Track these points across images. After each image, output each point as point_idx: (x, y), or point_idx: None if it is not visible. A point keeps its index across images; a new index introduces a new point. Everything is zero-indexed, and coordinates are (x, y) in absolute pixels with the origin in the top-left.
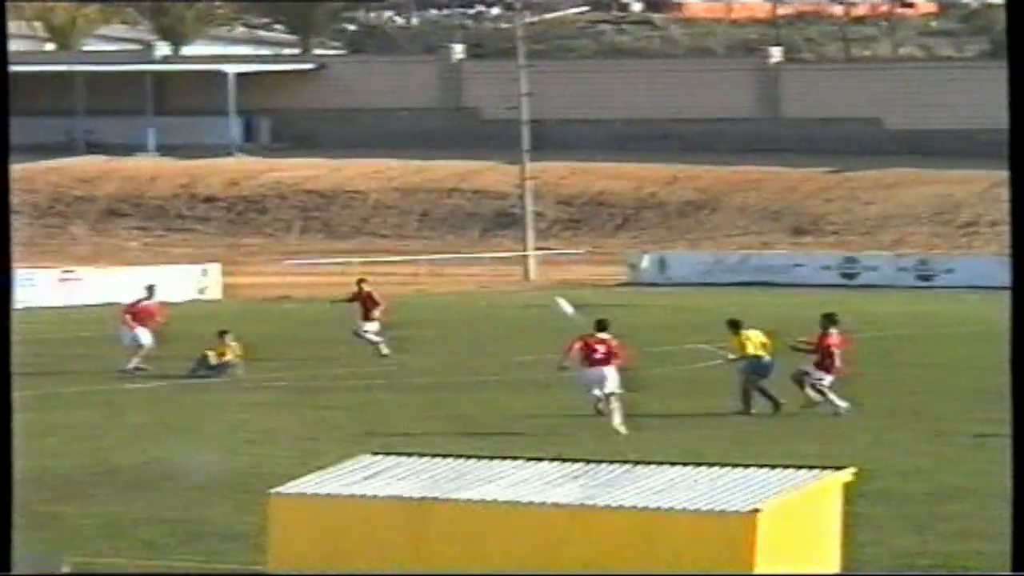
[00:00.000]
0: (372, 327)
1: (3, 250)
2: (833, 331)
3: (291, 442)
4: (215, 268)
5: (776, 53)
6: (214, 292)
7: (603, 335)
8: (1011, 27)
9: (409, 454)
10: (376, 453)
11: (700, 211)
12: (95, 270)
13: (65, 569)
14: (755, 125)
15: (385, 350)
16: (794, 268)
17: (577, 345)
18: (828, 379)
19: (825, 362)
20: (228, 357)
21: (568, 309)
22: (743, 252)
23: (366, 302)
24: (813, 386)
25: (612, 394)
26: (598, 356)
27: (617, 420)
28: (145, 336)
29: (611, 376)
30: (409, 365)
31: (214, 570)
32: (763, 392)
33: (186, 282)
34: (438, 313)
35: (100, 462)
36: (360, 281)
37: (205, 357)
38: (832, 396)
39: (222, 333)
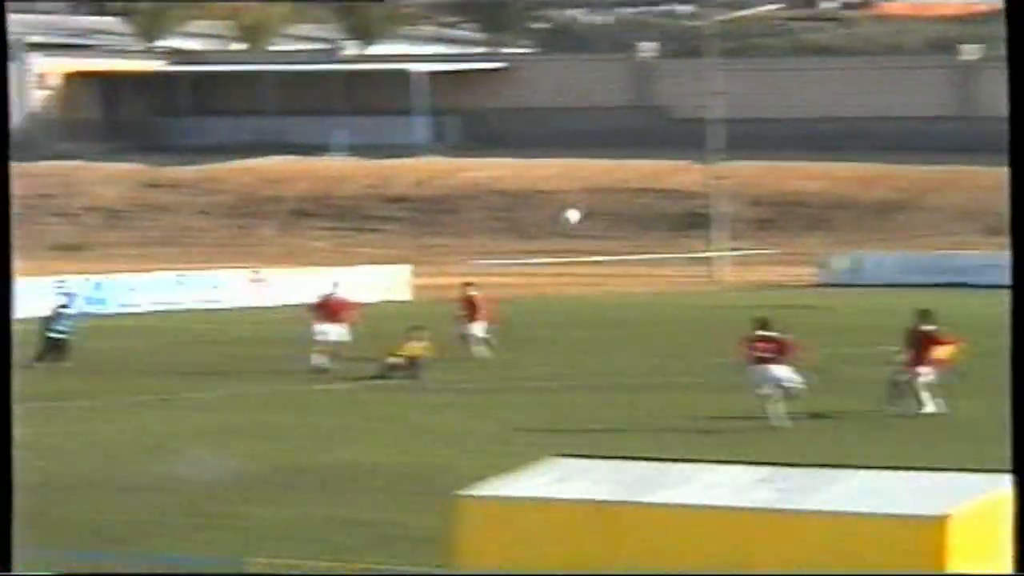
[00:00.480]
0: (479, 328)
1: (3, 250)
2: (928, 328)
3: (480, 444)
4: (404, 269)
5: (972, 50)
6: (403, 293)
7: (768, 333)
8: (1011, 27)
9: (600, 457)
10: (567, 455)
11: (893, 211)
12: (284, 271)
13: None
14: (950, 124)
15: (484, 352)
16: (989, 269)
17: (745, 345)
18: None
19: (921, 358)
20: (419, 355)
21: (574, 217)
22: (937, 252)
23: (471, 307)
24: (911, 384)
25: (782, 389)
26: (764, 355)
27: (779, 413)
28: (339, 331)
29: (781, 373)
30: (598, 366)
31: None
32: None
33: (375, 283)
34: (627, 314)
35: (290, 463)
36: (466, 285)
37: (395, 356)
38: (923, 395)
39: (414, 329)
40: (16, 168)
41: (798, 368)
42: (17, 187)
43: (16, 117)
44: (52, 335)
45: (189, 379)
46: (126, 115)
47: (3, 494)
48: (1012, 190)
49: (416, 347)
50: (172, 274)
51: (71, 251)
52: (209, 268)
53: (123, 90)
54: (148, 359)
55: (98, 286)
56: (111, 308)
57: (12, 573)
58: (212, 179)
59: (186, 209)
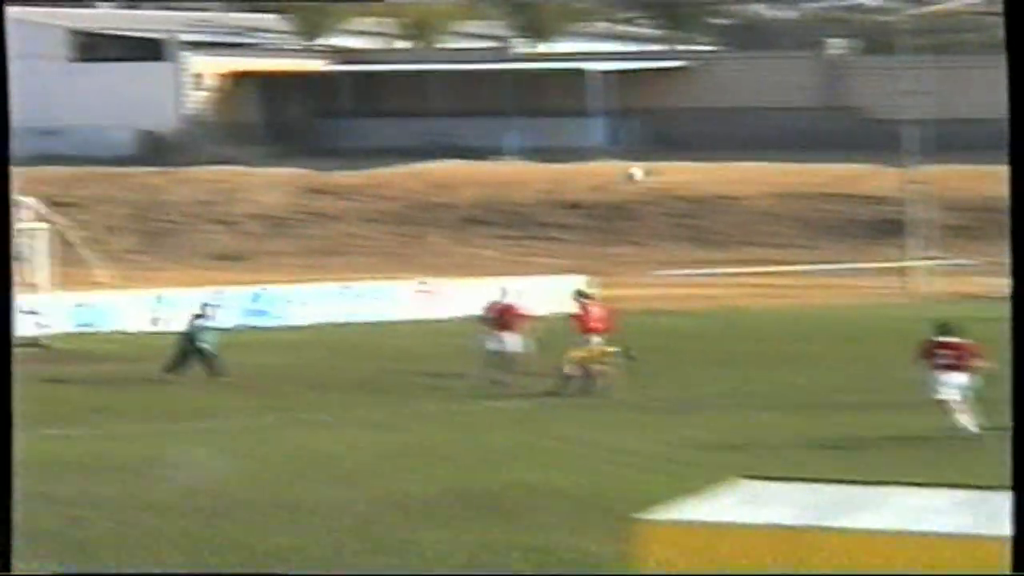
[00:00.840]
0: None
1: (3, 252)
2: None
3: (659, 464)
4: (579, 279)
5: None
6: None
7: (949, 339)
8: (1010, 27)
9: (787, 478)
10: (751, 477)
11: None
12: (453, 281)
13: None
14: None
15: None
16: None
17: (925, 350)
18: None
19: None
20: (598, 366)
21: (638, 175)
22: None
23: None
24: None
25: (962, 397)
26: (945, 361)
27: (962, 422)
28: (512, 343)
29: (961, 380)
30: (782, 382)
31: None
32: None
33: (548, 294)
34: (814, 327)
35: (462, 485)
36: (582, 295)
37: (576, 365)
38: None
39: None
40: (173, 174)
41: (990, 377)
42: (175, 193)
43: (172, 119)
44: (191, 347)
45: (354, 396)
46: (287, 117)
47: (3, 494)
48: (1012, 190)
49: (595, 351)
50: (336, 285)
51: (231, 260)
52: (374, 278)
53: (284, 91)
54: (311, 375)
55: (258, 297)
56: (272, 321)
57: (12, 573)
58: (378, 184)
59: (350, 216)
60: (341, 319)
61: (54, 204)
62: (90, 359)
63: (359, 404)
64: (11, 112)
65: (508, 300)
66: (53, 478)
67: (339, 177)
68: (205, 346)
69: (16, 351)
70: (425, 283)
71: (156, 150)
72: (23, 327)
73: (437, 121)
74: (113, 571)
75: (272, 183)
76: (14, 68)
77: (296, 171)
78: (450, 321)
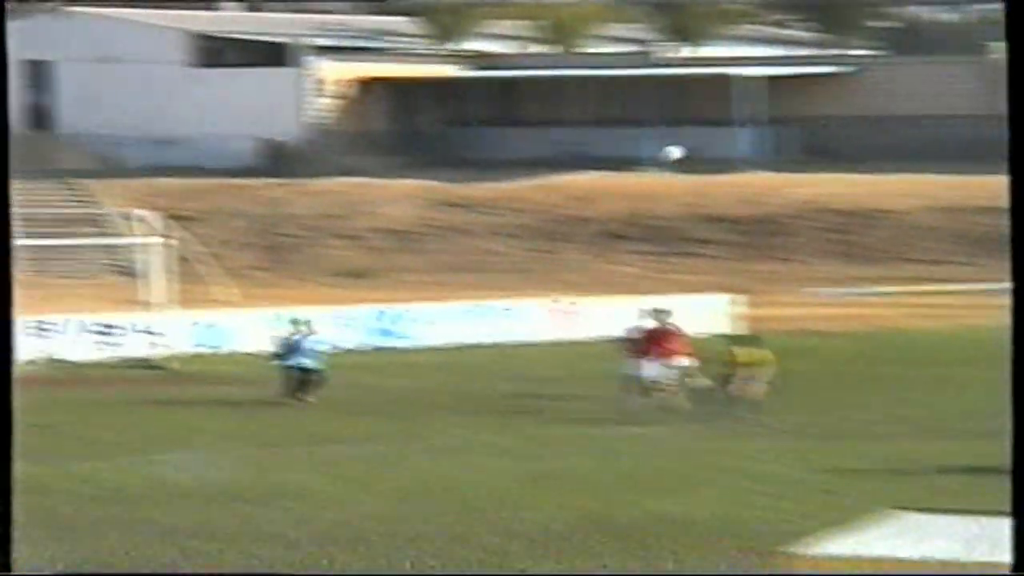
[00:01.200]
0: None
1: (4, 254)
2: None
3: (808, 494)
4: (724, 298)
5: None
6: (723, 325)
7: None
8: (1011, 27)
9: (943, 510)
10: (904, 508)
11: None
12: (592, 300)
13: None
14: None
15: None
16: None
17: None
18: None
19: None
20: (750, 381)
21: (675, 153)
22: None
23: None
24: None
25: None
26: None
27: None
28: (655, 367)
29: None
30: (943, 407)
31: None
32: None
33: (693, 313)
34: (976, 350)
35: (601, 515)
36: (656, 312)
37: (726, 377)
38: None
39: (741, 341)
40: (296, 185)
41: None
42: (298, 206)
43: (296, 128)
44: (293, 368)
45: (487, 421)
46: (418, 126)
47: (3, 494)
48: (1012, 195)
49: (743, 357)
50: (467, 303)
51: (355, 278)
52: (507, 296)
53: (415, 98)
54: (439, 398)
55: (384, 316)
56: (399, 341)
57: (12, 573)
58: (512, 197)
59: (483, 231)
60: (471, 339)
61: (171, 217)
62: (208, 381)
63: (490, 429)
64: (10, 112)
65: (656, 322)
66: (168, 507)
67: (471, 189)
68: (306, 363)
69: (132, 372)
70: (563, 302)
71: (278, 160)
72: (141, 348)
73: (575, 130)
74: (113, 571)
75: (400, 195)
76: (132, 73)
77: (425, 183)
78: (587, 342)
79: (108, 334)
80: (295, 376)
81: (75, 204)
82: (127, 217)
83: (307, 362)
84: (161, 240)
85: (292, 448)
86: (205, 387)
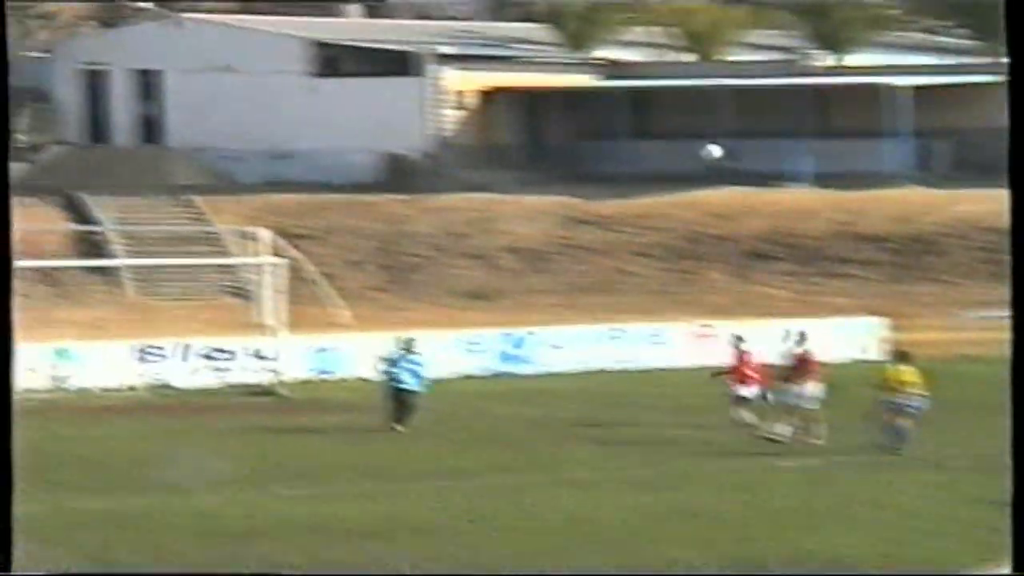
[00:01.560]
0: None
1: (4, 255)
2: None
3: (964, 531)
4: (877, 322)
5: None
6: (875, 351)
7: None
8: (1011, 26)
9: None
10: None
11: None
12: (736, 323)
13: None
14: None
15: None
16: None
17: None
18: None
19: None
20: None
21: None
22: None
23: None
24: None
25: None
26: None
27: None
28: (802, 394)
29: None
30: None
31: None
32: None
33: (842, 338)
34: None
35: (744, 554)
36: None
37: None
38: None
39: (890, 365)
40: (421, 202)
41: None
42: (422, 224)
43: (421, 141)
44: (390, 387)
45: (624, 452)
46: (550, 138)
47: (3, 495)
48: (1012, 202)
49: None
50: (600, 327)
51: (483, 299)
52: (645, 320)
53: (547, 109)
54: (575, 428)
55: (513, 341)
56: (528, 367)
57: (12, 573)
58: (650, 214)
59: (619, 250)
60: (606, 365)
61: (287, 236)
62: (326, 409)
63: (630, 462)
64: (9, 112)
65: (799, 347)
66: (282, 543)
67: (603, 206)
68: (404, 382)
69: (242, 399)
70: (708, 326)
71: (402, 175)
72: (252, 373)
73: (719, 143)
74: (113, 571)
75: (530, 212)
76: (246, 83)
77: (557, 199)
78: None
79: (218, 359)
80: (391, 395)
81: (187, 221)
82: (241, 235)
83: (405, 381)
84: (276, 260)
85: (413, 481)
86: (319, 415)
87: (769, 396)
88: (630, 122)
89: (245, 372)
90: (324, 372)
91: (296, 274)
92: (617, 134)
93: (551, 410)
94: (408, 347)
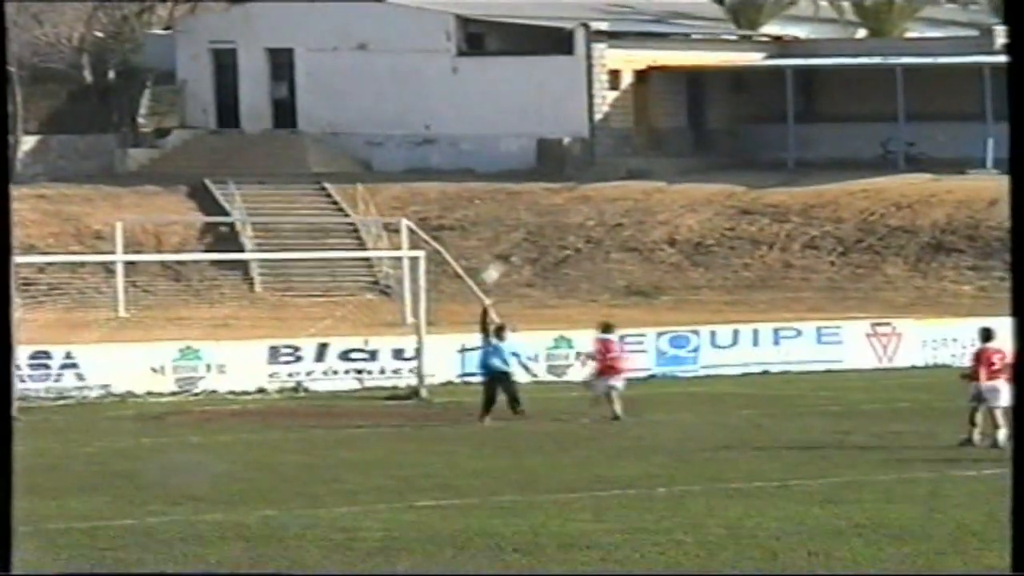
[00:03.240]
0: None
1: (3, 251)
2: (990, 345)
3: None
4: None
5: None
6: None
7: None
8: (1011, 27)
9: None
10: None
11: None
12: (915, 322)
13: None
14: None
15: None
16: None
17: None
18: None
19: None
20: None
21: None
22: None
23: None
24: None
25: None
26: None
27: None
28: (1001, 393)
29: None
30: None
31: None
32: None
33: None
34: None
35: (920, 572)
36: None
37: None
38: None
39: None
40: (576, 191)
41: None
42: (577, 214)
43: (577, 125)
44: (491, 375)
45: (795, 460)
46: (713, 122)
47: (3, 494)
48: (1012, 197)
49: None
50: (770, 325)
51: (643, 296)
52: (818, 318)
53: (712, 89)
54: (740, 433)
55: (672, 339)
56: (691, 368)
57: (12, 573)
58: (823, 204)
59: (790, 242)
60: (776, 366)
61: (432, 228)
62: (470, 414)
63: (802, 471)
64: (9, 112)
65: (994, 345)
66: (423, 557)
67: (773, 194)
68: (497, 366)
69: (387, 405)
70: (885, 324)
71: (553, 162)
72: (395, 375)
73: (898, 127)
74: (113, 571)
75: (692, 202)
76: (387, 63)
77: (721, 187)
78: (912, 370)
79: (356, 359)
80: (487, 385)
81: (321, 212)
82: (384, 227)
83: (497, 367)
84: (418, 253)
85: (561, 492)
86: (463, 421)
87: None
88: (799, 104)
89: (385, 374)
90: (469, 374)
91: (439, 268)
92: (785, 116)
93: (713, 415)
94: (499, 335)
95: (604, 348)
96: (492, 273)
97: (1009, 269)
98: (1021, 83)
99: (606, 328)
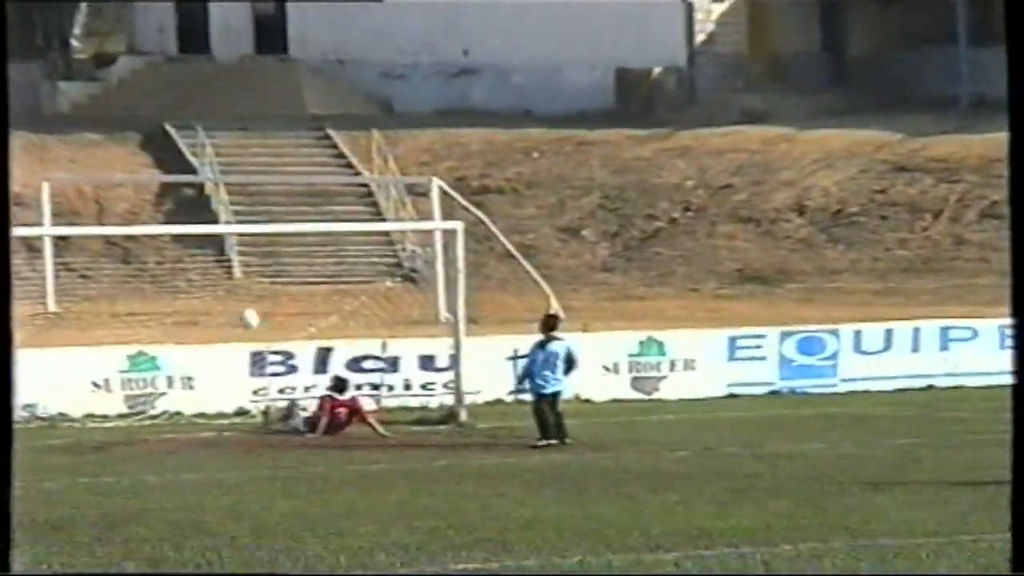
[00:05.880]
0: None
1: (3, 249)
2: None
3: None
4: None
5: None
6: None
7: None
8: (1011, 27)
9: None
10: None
11: None
12: None
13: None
14: None
15: None
16: None
17: None
18: None
19: None
20: None
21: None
22: None
23: None
24: None
25: None
26: None
27: None
28: None
29: None
30: None
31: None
32: None
33: None
34: None
35: None
36: None
37: None
38: None
39: None
40: (669, 139)
41: None
42: (670, 171)
43: (672, 52)
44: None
45: (968, 507)
46: (856, 46)
47: (3, 494)
48: (1011, 189)
49: None
50: (936, 324)
51: (763, 284)
52: (999, 313)
53: (850, 4)
54: (893, 470)
55: (801, 342)
56: (827, 381)
57: (12, 573)
58: (1002, 156)
59: (963, 210)
60: (943, 379)
61: (473, 191)
62: (526, 443)
63: (973, 522)
64: (9, 112)
65: None
66: None
67: (937, 144)
68: (545, 390)
69: (412, 432)
70: None
71: (641, 101)
72: (426, 393)
73: None
74: (113, 571)
75: (828, 154)
76: None
77: (867, 134)
78: None
79: (370, 370)
80: (534, 402)
81: (327, 169)
82: (409, 190)
83: (545, 382)
84: (459, 225)
85: (656, 551)
86: (516, 453)
87: None
88: (973, 20)
89: (411, 390)
90: (523, 390)
91: (491, 246)
92: (955, 38)
93: (856, 445)
94: (549, 329)
95: None
96: (250, 318)
97: (1011, 271)
98: (1020, 81)
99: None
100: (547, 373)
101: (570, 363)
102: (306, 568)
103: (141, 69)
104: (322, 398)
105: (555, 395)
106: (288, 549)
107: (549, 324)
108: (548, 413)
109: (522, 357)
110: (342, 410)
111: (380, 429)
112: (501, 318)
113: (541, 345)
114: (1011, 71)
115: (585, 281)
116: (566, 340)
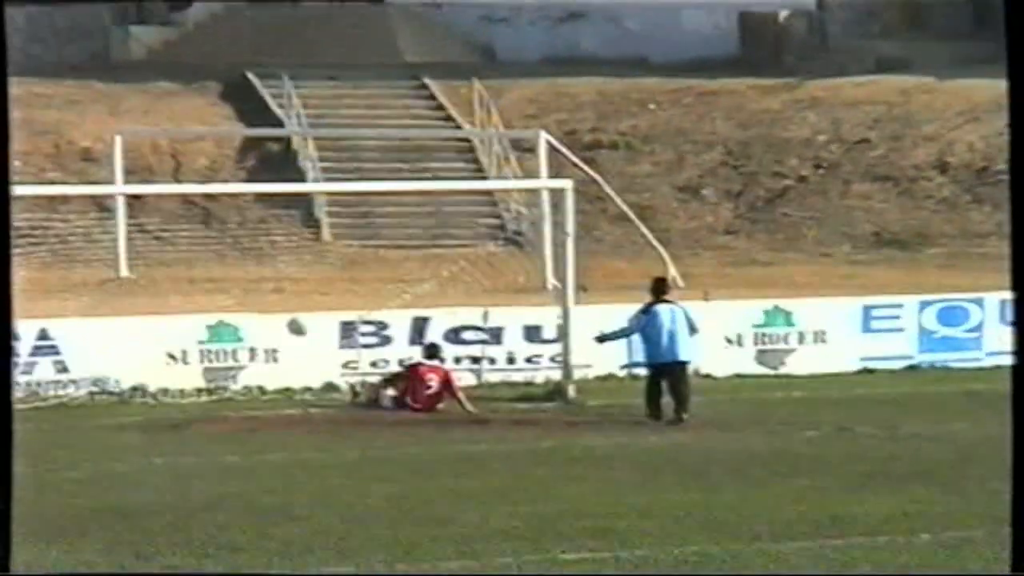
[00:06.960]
0: None
1: (3, 247)
2: None
3: None
4: None
5: None
6: None
7: None
8: (1011, 26)
9: None
10: None
11: None
12: None
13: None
14: None
15: None
16: None
17: None
18: None
19: None
20: None
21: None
22: None
23: None
24: None
25: None
26: None
27: None
28: None
29: None
30: None
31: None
32: None
33: None
34: None
35: None
36: None
37: None
38: None
39: None
40: (799, 89)
41: None
42: (801, 124)
43: None
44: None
45: None
46: None
47: (3, 494)
48: (1012, 188)
49: None
50: None
51: (902, 248)
52: None
53: None
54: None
55: (943, 312)
56: (972, 355)
57: (12, 573)
58: None
59: None
60: None
61: (584, 146)
62: (640, 423)
63: None
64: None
65: None
66: None
67: None
68: (662, 360)
69: (516, 408)
70: None
71: (768, 47)
72: (531, 366)
73: None
74: (113, 571)
75: (975, 106)
76: None
77: None
78: None
79: (471, 341)
80: (650, 376)
81: (424, 122)
82: (513, 145)
83: (662, 352)
84: (569, 184)
85: (782, 541)
86: (628, 433)
87: None
88: None
89: (515, 363)
90: (636, 364)
91: (595, 206)
92: None
93: (1001, 425)
94: (660, 292)
95: None
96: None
97: (1011, 271)
98: (1021, 82)
99: None
100: (665, 342)
101: (691, 329)
102: (405, 557)
103: (220, 12)
104: (411, 366)
105: (683, 365)
106: (384, 540)
107: (660, 288)
108: (664, 388)
109: (612, 338)
110: (433, 376)
111: (468, 405)
112: (613, 285)
113: (648, 310)
114: (1011, 71)
115: (706, 245)
116: (682, 306)
